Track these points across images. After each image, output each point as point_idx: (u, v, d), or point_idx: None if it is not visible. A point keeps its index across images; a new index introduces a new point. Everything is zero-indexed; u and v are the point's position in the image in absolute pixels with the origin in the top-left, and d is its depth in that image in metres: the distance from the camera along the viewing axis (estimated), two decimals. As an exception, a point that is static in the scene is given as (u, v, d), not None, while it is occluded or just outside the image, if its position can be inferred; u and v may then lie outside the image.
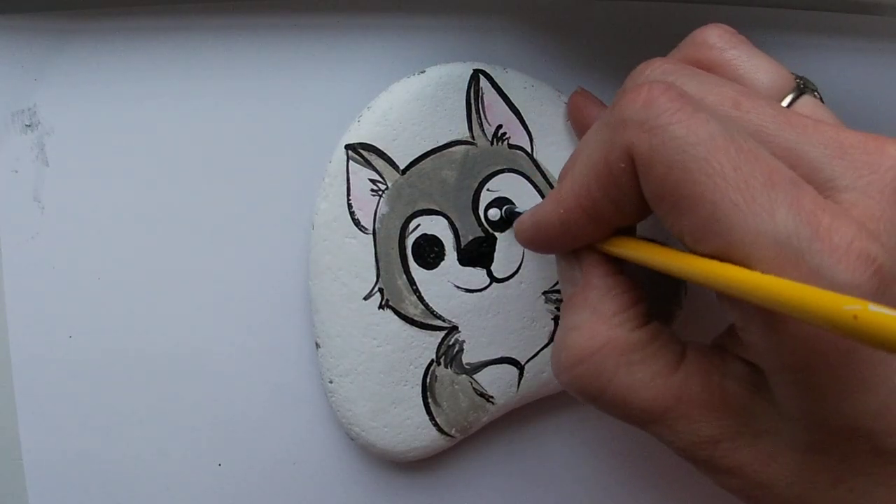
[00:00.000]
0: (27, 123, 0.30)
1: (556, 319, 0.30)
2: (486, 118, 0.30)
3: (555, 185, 0.30)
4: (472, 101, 0.30)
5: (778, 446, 0.19)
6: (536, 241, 0.24)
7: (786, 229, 0.17)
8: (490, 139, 0.30)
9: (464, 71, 0.30)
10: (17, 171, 0.30)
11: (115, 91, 0.30)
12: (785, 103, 0.22)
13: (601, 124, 0.20)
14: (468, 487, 0.32)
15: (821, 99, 0.23)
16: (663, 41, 0.32)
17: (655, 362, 0.21)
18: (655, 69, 0.22)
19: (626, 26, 0.31)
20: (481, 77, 0.30)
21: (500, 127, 0.30)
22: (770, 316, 0.18)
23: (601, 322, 0.21)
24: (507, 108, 0.30)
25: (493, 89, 0.30)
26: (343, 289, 0.29)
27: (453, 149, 0.29)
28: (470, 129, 0.30)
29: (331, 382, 0.30)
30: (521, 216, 0.25)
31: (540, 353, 0.30)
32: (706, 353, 0.21)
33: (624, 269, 0.23)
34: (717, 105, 0.20)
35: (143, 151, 0.30)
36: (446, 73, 0.30)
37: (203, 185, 0.31)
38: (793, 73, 0.23)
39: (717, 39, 0.23)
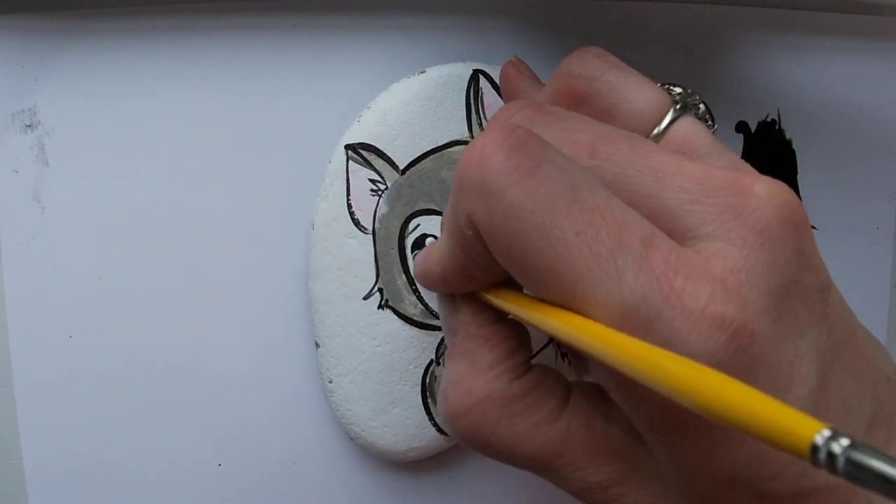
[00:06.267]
0: (27, 123, 0.30)
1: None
2: (485, 118, 0.30)
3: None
4: (472, 102, 0.30)
5: (666, 491, 0.19)
6: (427, 286, 0.24)
7: (633, 297, 0.16)
8: (490, 139, 0.30)
9: (464, 71, 0.30)
10: (17, 171, 0.30)
11: (115, 91, 0.30)
12: (661, 127, 0.20)
13: (454, 183, 0.19)
14: (468, 487, 0.32)
15: (708, 111, 0.22)
16: (663, 41, 0.32)
17: (537, 411, 0.20)
18: (517, 113, 0.20)
19: (626, 26, 0.31)
20: (481, 77, 0.30)
21: (499, 127, 0.30)
22: (631, 381, 0.17)
23: (478, 375, 0.20)
24: (506, 108, 0.30)
25: (492, 89, 0.30)
26: (342, 288, 0.29)
27: (453, 149, 0.29)
28: (470, 129, 0.30)
29: (330, 382, 0.30)
30: (420, 253, 0.24)
31: (539, 354, 0.30)
32: (590, 396, 0.21)
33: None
34: (574, 155, 0.18)
35: (143, 151, 0.30)
36: (446, 74, 0.30)
37: (203, 185, 0.31)
38: (672, 90, 0.21)
39: (584, 68, 0.21)
